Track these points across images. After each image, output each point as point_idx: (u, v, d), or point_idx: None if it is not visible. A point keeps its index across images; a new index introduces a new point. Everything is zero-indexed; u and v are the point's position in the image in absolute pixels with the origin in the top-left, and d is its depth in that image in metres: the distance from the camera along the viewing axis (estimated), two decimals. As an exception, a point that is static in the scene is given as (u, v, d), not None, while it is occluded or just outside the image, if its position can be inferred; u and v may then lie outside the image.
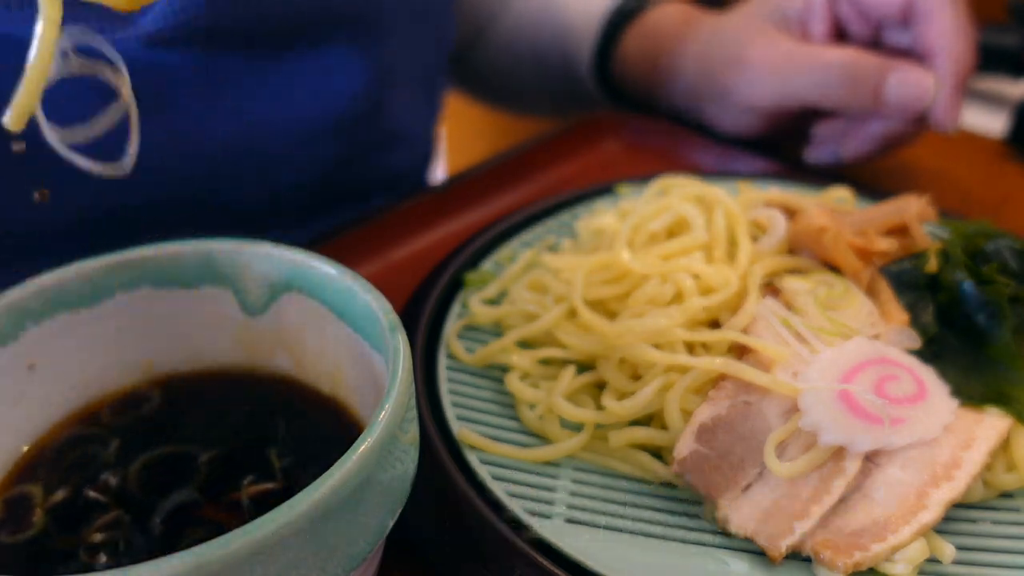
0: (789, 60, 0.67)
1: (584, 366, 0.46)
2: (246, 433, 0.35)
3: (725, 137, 0.75)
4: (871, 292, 0.47)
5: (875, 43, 0.70)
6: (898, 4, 0.66)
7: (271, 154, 0.62)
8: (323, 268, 0.36)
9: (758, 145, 0.74)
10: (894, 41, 0.69)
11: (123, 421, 0.36)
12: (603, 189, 0.62)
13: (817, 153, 0.71)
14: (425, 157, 0.80)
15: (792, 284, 0.47)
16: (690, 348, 0.45)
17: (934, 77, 0.63)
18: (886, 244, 0.49)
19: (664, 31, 0.78)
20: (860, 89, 0.64)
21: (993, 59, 0.77)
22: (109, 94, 0.33)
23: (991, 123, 0.82)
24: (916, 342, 0.44)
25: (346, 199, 0.71)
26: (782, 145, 0.74)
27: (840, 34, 0.71)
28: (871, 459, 0.40)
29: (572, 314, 0.47)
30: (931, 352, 0.44)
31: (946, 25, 0.64)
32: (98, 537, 0.31)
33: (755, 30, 0.71)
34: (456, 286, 0.53)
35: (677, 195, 0.53)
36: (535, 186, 0.71)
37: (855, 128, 0.68)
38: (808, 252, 0.50)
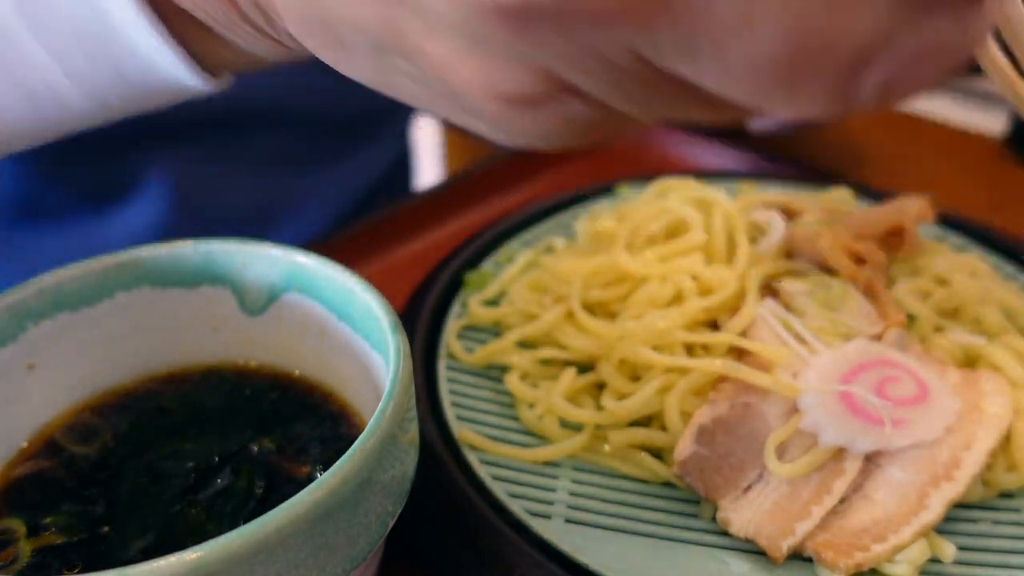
0: None
1: (584, 367, 0.46)
2: (245, 434, 0.35)
3: (725, 137, 0.75)
4: (869, 294, 0.47)
5: None
6: None
7: None
8: (323, 268, 0.36)
9: (758, 145, 0.74)
10: None
11: (120, 423, 0.36)
12: (603, 189, 0.62)
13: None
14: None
15: (791, 285, 0.47)
16: (689, 349, 0.45)
17: None
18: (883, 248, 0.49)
19: None
20: None
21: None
22: None
23: (991, 123, 0.82)
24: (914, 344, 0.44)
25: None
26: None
27: None
28: (871, 459, 0.40)
29: (571, 315, 0.47)
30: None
31: None
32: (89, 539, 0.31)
33: None
34: (456, 286, 0.53)
35: (676, 197, 0.53)
36: (535, 186, 0.71)
37: None
38: (805, 255, 0.49)
